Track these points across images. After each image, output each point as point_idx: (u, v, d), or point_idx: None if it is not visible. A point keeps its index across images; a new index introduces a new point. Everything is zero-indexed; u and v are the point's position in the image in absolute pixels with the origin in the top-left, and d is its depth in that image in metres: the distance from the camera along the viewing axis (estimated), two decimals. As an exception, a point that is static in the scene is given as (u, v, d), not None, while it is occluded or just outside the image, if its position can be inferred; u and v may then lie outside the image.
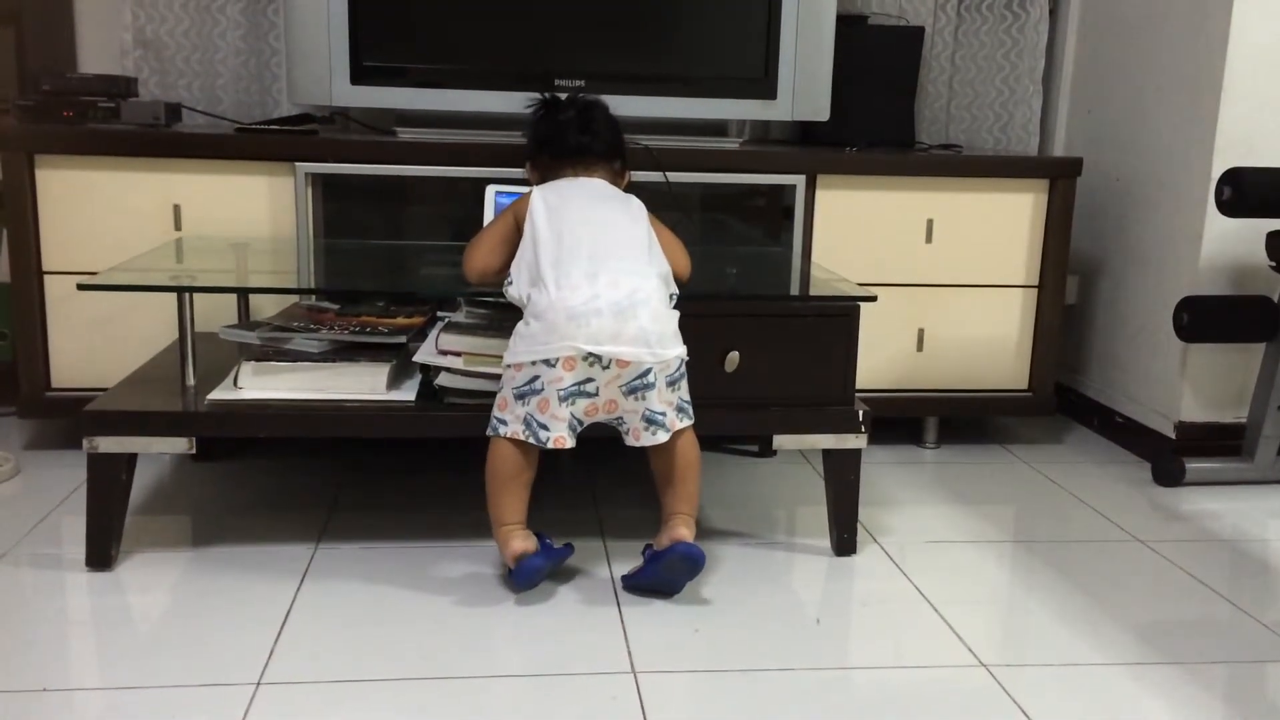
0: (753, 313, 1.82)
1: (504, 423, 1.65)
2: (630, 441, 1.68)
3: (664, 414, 1.65)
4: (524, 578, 1.66)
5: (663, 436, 1.66)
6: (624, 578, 1.72)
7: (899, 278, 2.40)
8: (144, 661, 1.46)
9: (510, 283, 1.71)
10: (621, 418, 1.66)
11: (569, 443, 1.64)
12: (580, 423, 1.65)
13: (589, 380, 1.62)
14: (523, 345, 1.64)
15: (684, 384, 1.69)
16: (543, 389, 1.62)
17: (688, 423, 1.69)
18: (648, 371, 1.63)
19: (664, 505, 1.72)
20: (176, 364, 1.86)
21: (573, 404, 1.62)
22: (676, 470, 1.70)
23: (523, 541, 1.65)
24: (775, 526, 2.01)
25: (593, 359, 1.61)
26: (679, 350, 1.66)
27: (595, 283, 1.63)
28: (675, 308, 1.71)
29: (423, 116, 2.32)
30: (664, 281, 1.70)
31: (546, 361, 1.61)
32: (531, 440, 1.63)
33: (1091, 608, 1.72)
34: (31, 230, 2.14)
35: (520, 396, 1.63)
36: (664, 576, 1.67)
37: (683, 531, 1.67)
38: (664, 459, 1.70)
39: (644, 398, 1.64)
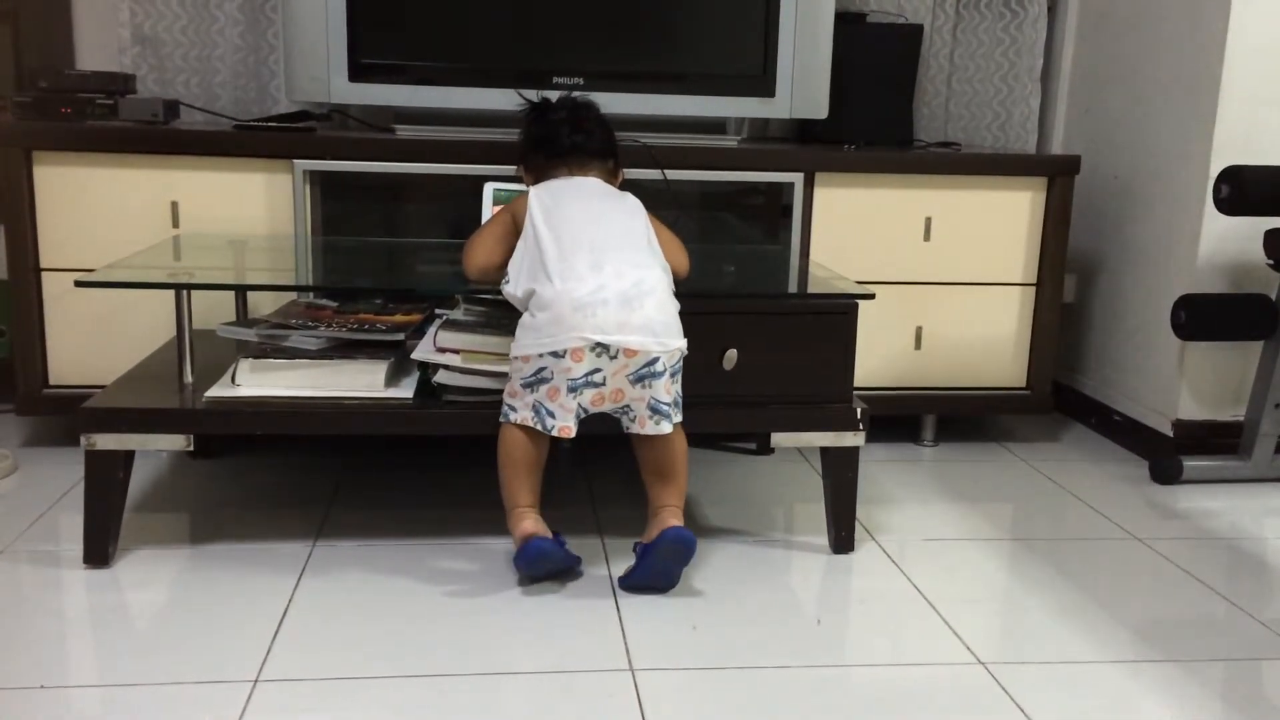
0: (751, 311, 1.82)
1: (514, 409, 1.67)
2: (635, 429, 1.69)
3: (669, 404, 1.67)
4: (527, 558, 1.65)
5: (667, 427, 1.67)
6: (621, 579, 1.71)
7: (897, 276, 2.40)
8: (141, 658, 1.46)
9: (508, 281, 1.71)
10: (628, 406, 1.68)
11: (573, 432, 1.66)
12: (585, 411, 1.67)
13: (597, 370, 1.63)
14: (529, 338, 1.65)
15: (680, 376, 1.70)
16: (551, 378, 1.63)
17: (679, 417, 1.70)
18: (655, 360, 1.64)
19: (652, 498, 1.72)
20: (174, 361, 1.86)
21: (580, 395, 1.64)
22: (668, 464, 1.71)
23: (534, 524, 1.66)
24: (773, 524, 2.01)
25: (600, 349, 1.62)
26: (683, 342, 1.68)
27: (600, 273, 1.64)
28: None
29: (421, 114, 2.31)
30: (666, 272, 1.72)
31: (555, 354, 1.62)
32: (539, 427, 1.65)
33: (1089, 605, 1.72)
34: (29, 227, 2.14)
35: (528, 385, 1.65)
36: (659, 566, 1.67)
37: (672, 521, 1.67)
38: (656, 452, 1.70)
39: (650, 386, 1.65)
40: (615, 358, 1.63)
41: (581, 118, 1.87)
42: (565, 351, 1.62)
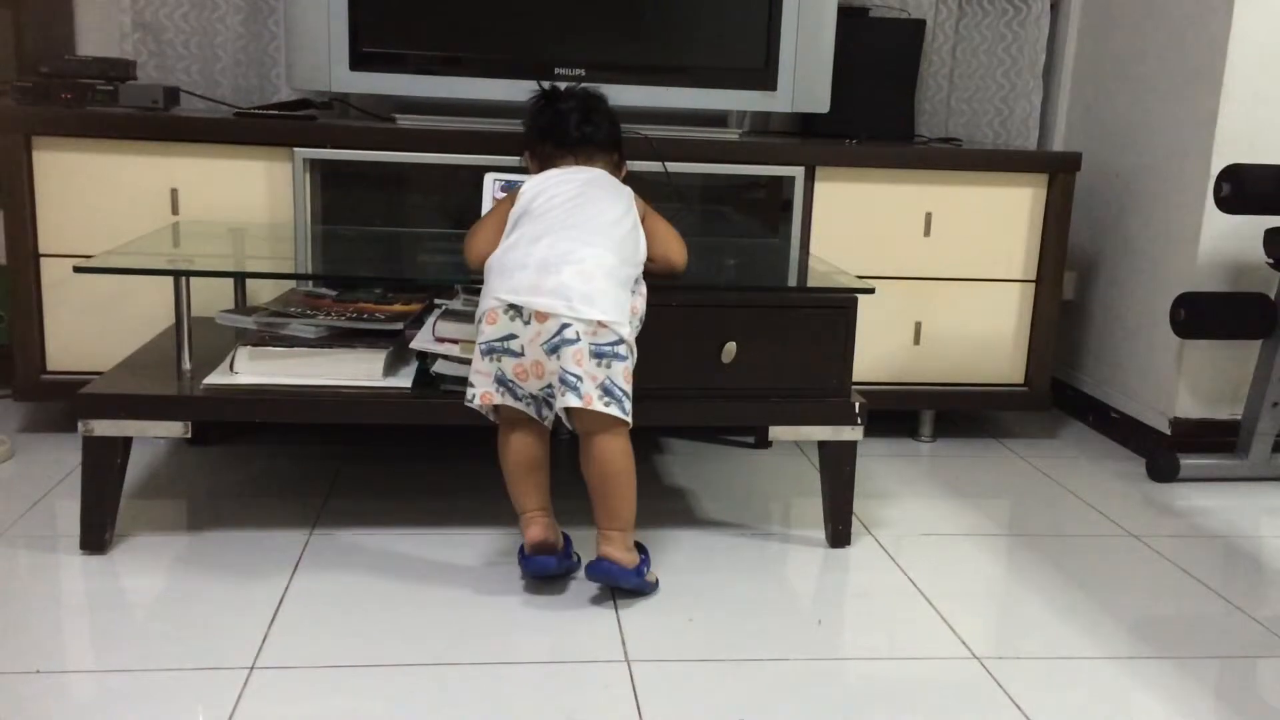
0: (750, 304, 1.82)
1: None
2: (558, 406, 1.59)
3: (579, 378, 1.55)
4: (530, 571, 1.67)
5: (573, 400, 1.55)
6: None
7: (897, 271, 2.40)
8: (137, 645, 1.46)
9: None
10: (550, 384, 1.58)
11: (495, 399, 1.60)
12: (514, 385, 1.60)
13: (511, 336, 1.58)
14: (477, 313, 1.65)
15: (619, 367, 1.58)
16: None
17: (616, 412, 1.57)
18: (565, 327, 1.56)
19: (595, 519, 1.64)
20: (173, 348, 1.86)
21: (498, 361, 1.59)
22: (597, 481, 1.61)
23: (540, 529, 1.65)
24: (770, 518, 2.02)
25: (513, 312, 1.58)
26: (609, 317, 1.57)
27: (535, 245, 1.62)
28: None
29: (422, 103, 2.31)
30: (619, 259, 1.63)
31: (479, 320, 1.62)
32: (467, 403, 1.63)
33: (1085, 602, 1.72)
34: (29, 213, 2.14)
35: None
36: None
37: (606, 549, 1.62)
38: (588, 466, 1.61)
39: (560, 356, 1.57)
40: (529, 323, 1.57)
41: (591, 109, 1.85)
42: (483, 315, 1.60)
